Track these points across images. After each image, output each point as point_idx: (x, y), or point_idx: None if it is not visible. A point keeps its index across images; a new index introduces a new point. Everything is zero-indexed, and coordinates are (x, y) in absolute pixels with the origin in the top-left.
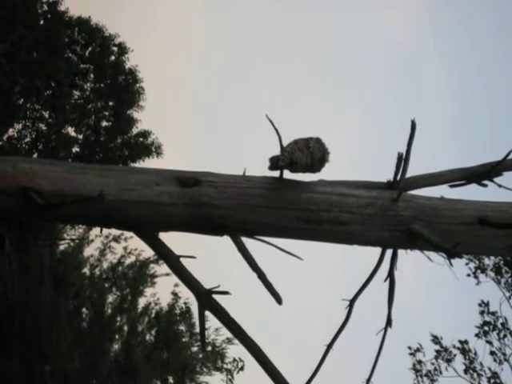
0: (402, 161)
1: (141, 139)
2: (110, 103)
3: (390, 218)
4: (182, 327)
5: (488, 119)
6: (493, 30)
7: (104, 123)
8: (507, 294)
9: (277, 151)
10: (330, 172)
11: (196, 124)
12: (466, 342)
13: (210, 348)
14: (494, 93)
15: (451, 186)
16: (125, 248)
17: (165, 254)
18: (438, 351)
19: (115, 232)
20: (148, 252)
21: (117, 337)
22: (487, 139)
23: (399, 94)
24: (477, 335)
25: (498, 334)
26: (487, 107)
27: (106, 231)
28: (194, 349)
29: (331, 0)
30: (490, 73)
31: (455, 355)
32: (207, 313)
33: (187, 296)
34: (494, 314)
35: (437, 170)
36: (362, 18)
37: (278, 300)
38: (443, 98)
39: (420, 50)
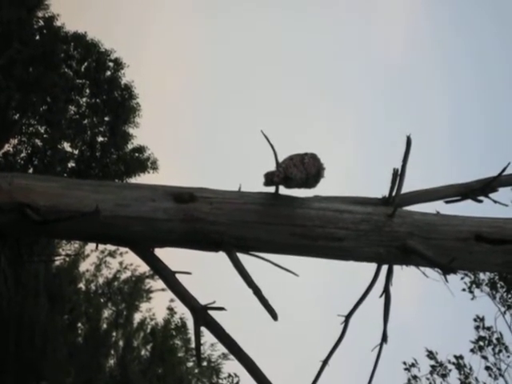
0: (398, 177)
1: (136, 154)
2: (106, 118)
3: (385, 233)
4: (178, 342)
5: (484, 135)
6: (493, 42)
7: (100, 138)
8: (502, 309)
9: (273, 167)
10: (325, 188)
11: (192, 139)
12: (461, 357)
13: (205, 363)
14: (490, 108)
15: (446, 202)
16: (120, 263)
17: (160, 270)
18: (433, 366)
19: (111, 247)
20: (143, 267)
21: (112, 352)
22: (483, 155)
23: (395, 108)
24: (472, 350)
25: (493, 349)
26: (483, 123)
27: (101, 246)
28: (190, 364)
29: (331, 9)
30: (488, 88)
31: (450, 370)
32: (203, 328)
33: (183, 311)
34: (489, 329)
35: (432, 185)
36: (360, 31)
37: (274, 316)
38: (440, 113)
39: (418, 65)
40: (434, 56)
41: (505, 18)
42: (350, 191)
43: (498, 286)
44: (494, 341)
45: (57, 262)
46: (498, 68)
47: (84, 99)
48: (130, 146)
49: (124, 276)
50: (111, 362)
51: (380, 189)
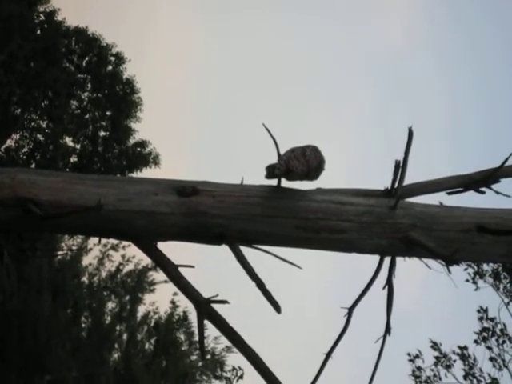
0: (400, 168)
1: (138, 149)
2: (108, 113)
3: (387, 225)
4: (181, 336)
5: (484, 126)
6: (491, 37)
7: (102, 133)
8: (506, 300)
9: (275, 160)
10: (327, 180)
11: (194, 133)
12: (465, 347)
13: (209, 356)
14: (490, 100)
15: (449, 194)
16: (123, 256)
17: (163, 264)
18: (437, 357)
19: (113, 241)
20: (146, 259)
21: (116, 346)
22: (484, 145)
23: (396, 101)
24: (476, 341)
25: (496, 340)
26: (483, 115)
27: (104, 240)
28: (194, 357)
29: (330, 9)
30: (487, 80)
31: (455, 361)
32: (206, 321)
33: (186, 304)
34: (492, 320)
35: (434, 177)
36: (358, 27)
37: (277, 309)
38: (440, 104)
39: (417, 58)
40: (434, 48)
41: (503, 13)
42: (353, 183)
43: (502, 276)
44: (498, 332)
45: (59, 257)
46: (498, 60)
47: (86, 94)
48: (131, 141)
49: (127, 269)
50: (115, 355)
51: (382, 181)
